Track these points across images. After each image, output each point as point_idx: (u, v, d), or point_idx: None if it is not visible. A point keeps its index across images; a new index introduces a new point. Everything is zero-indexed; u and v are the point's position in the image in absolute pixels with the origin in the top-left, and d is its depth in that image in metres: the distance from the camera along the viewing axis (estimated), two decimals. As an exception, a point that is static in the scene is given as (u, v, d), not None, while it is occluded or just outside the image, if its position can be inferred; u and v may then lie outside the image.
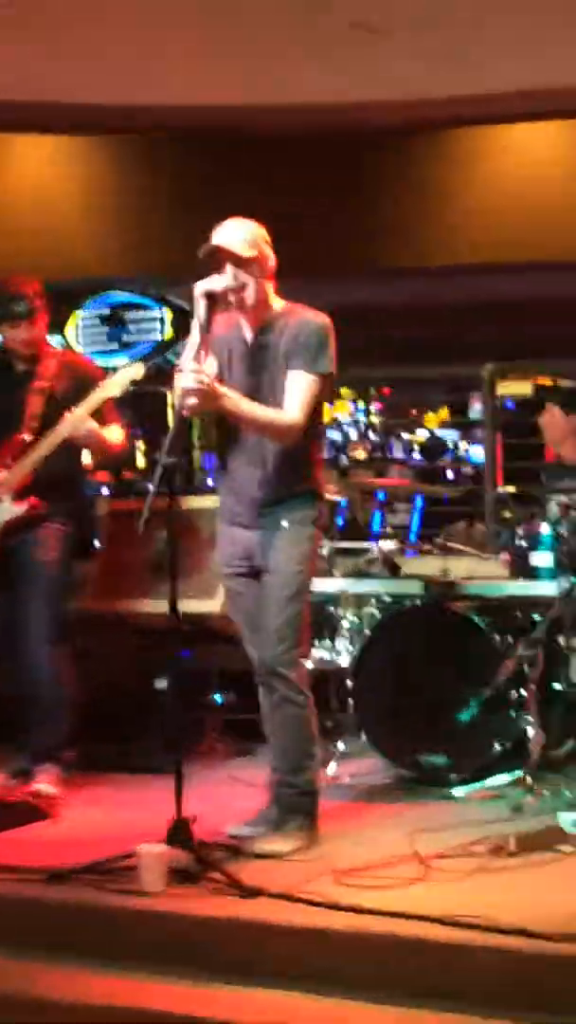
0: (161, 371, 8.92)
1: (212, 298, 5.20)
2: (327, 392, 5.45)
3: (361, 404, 18.61)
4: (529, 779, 6.02)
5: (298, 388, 5.32)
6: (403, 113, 7.82)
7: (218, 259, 5.27)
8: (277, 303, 5.44)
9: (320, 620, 6.93)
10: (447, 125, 9.36)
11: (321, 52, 7.30)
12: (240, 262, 5.25)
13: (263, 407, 5.30)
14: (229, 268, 5.26)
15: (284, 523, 5.38)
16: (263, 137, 8.73)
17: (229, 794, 6.21)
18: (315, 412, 5.41)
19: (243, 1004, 4.40)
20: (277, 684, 5.37)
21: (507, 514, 6.91)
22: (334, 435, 15.01)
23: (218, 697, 7.37)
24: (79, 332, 10.58)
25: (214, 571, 6.08)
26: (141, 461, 10.06)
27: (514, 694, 6.28)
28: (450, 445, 15.72)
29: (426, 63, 7.27)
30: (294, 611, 5.35)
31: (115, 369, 6.49)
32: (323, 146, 9.44)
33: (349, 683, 6.70)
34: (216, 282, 5.23)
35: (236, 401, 5.24)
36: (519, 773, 6.11)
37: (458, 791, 6.19)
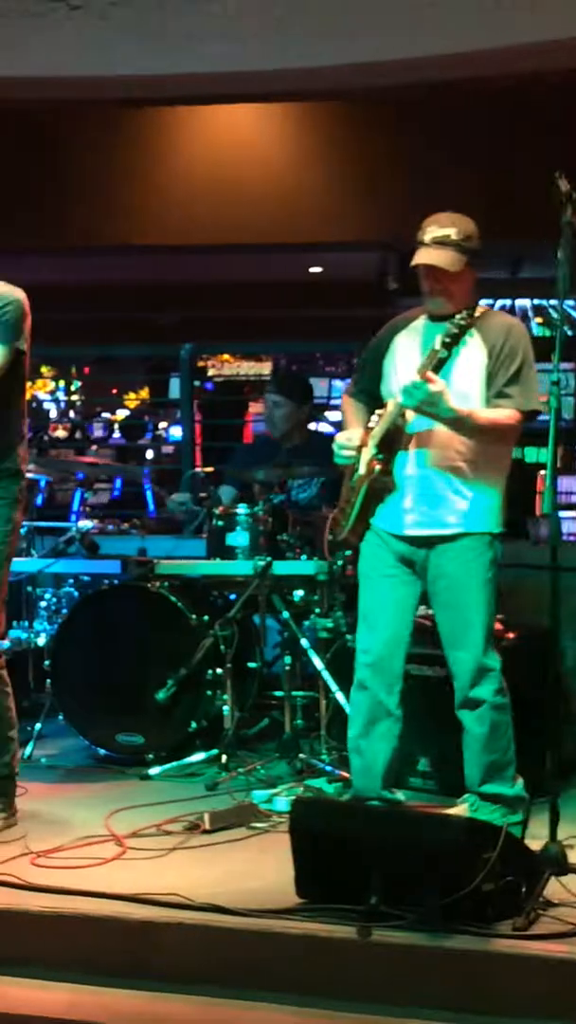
0: None
1: None
2: (22, 369, 5.34)
3: (62, 383, 18.66)
4: (224, 757, 6.07)
5: None
6: (86, 89, 7.64)
7: None
8: None
9: (18, 600, 6.94)
10: (135, 104, 9.13)
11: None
12: None
13: None
14: None
15: None
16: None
17: None
18: (16, 388, 5.32)
19: None
20: None
21: (203, 494, 6.94)
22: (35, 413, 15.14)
23: None
24: None
25: None
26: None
27: (210, 673, 6.36)
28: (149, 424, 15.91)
29: (118, 40, 7.17)
30: None
31: None
32: (13, 121, 9.21)
33: (47, 663, 6.70)
34: None
35: None
36: (214, 751, 6.17)
37: (154, 770, 6.17)
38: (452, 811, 5.20)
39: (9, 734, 5.36)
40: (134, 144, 10.13)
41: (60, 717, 6.63)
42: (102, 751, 6.45)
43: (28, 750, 6.41)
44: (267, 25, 7.06)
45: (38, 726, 6.56)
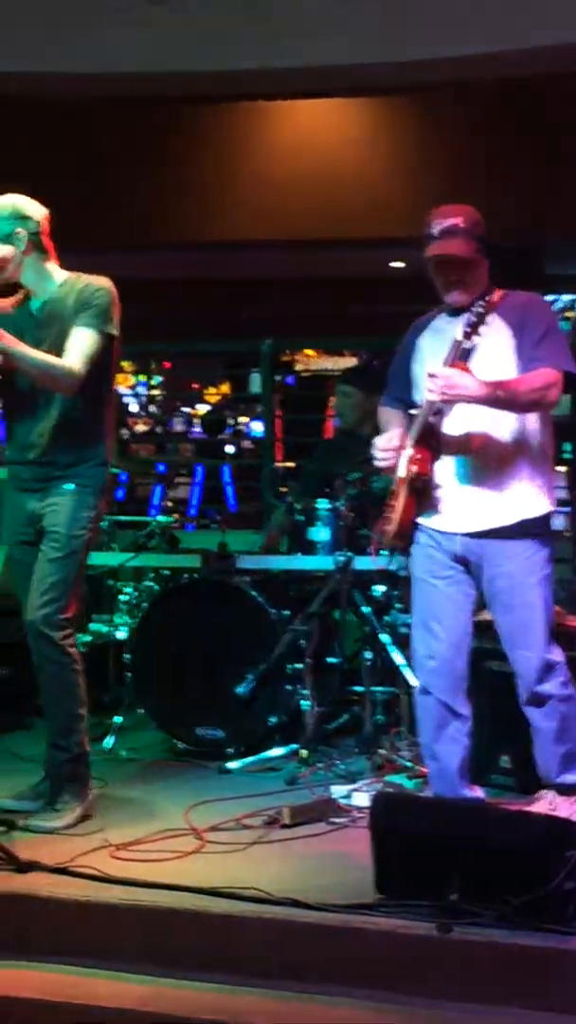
0: None
1: None
2: (112, 357, 5.41)
3: (142, 377, 18.64)
4: (303, 752, 6.08)
5: (80, 342, 5.26)
6: (173, 86, 7.64)
7: None
8: (59, 274, 5.43)
9: (98, 593, 7.00)
10: (228, 99, 9.10)
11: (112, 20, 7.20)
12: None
13: (43, 353, 5.23)
14: None
15: (69, 486, 5.33)
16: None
17: (5, 769, 6.15)
18: (104, 376, 5.38)
19: (15, 980, 4.36)
20: (42, 645, 5.31)
21: (283, 488, 6.92)
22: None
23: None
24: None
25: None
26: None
27: (290, 668, 6.37)
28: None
29: (214, 36, 7.16)
30: (65, 574, 5.29)
31: None
32: (107, 118, 9.28)
33: (127, 657, 6.74)
34: None
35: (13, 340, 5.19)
36: (294, 746, 6.19)
37: (234, 764, 6.19)
38: (533, 807, 5.18)
39: (79, 711, 5.39)
40: (217, 140, 10.12)
41: (140, 710, 6.66)
42: (181, 744, 6.48)
43: (108, 743, 6.44)
44: (357, 17, 7.04)
45: (118, 719, 6.57)
